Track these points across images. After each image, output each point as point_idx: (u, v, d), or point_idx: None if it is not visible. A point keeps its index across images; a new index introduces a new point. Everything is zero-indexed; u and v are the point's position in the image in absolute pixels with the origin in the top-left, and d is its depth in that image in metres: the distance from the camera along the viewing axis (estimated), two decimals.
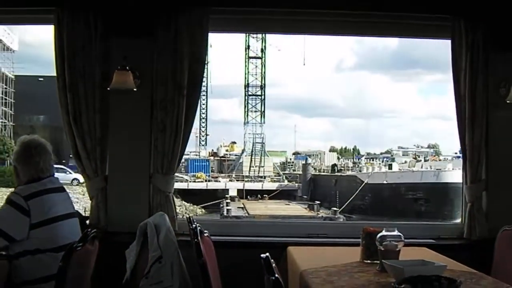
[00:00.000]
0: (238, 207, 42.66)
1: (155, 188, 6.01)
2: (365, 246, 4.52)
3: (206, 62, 6.14)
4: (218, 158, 61.07)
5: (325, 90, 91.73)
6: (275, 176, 56.03)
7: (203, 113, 65.56)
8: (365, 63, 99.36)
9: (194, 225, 4.48)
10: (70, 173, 39.55)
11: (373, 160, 63.21)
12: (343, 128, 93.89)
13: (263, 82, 62.23)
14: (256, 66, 61.75)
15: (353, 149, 70.72)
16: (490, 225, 6.02)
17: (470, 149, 6.16)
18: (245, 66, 62.04)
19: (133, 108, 6.06)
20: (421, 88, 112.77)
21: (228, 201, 45.66)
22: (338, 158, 66.21)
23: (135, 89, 5.88)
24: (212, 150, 64.02)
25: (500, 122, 6.21)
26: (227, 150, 62.90)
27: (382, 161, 60.85)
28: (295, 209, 43.56)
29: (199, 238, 4.18)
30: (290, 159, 63.92)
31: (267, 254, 3.23)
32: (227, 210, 41.10)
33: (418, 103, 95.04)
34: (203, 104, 65.42)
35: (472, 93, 6.10)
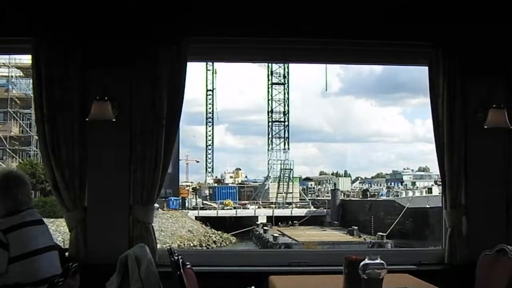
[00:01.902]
0: (278, 235, 41.86)
1: (135, 219, 5.96)
2: (347, 274, 4.49)
3: (185, 91, 6.09)
4: (236, 185, 60.68)
5: (311, 115, 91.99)
6: (300, 202, 55.65)
7: (209, 140, 65.47)
8: (350, 88, 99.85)
9: (176, 257, 4.43)
10: None
11: (368, 184, 63.46)
12: (330, 152, 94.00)
13: (286, 108, 62.35)
14: (279, 92, 61.93)
15: (344, 173, 70.73)
16: (471, 250, 6.03)
17: (449, 174, 6.20)
18: (268, 92, 62.22)
19: (112, 139, 6.03)
20: (406, 111, 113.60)
21: (266, 228, 45.28)
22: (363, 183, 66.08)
23: (113, 120, 5.85)
24: (216, 177, 63.82)
25: (479, 147, 6.25)
26: (231, 177, 62.60)
27: (389, 184, 61.25)
28: (335, 235, 42.90)
29: (181, 270, 4.15)
30: (311, 184, 63.67)
31: (253, 287, 3.21)
32: (274, 237, 40.24)
33: (403, 127, 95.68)
34: (209, 131, 65.36)
35: (450, 118, 6.15)
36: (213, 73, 63.51)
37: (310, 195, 59.53)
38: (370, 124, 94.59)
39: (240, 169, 64.34)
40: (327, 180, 65.44)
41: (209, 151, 65.81)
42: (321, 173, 71.00)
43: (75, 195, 5.90)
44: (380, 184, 64.73)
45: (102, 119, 5.82)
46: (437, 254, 6.46)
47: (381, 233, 40.10)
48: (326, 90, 64.43)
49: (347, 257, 4.54)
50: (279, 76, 61.74)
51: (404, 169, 69.17)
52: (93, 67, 5.95)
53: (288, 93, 61.94)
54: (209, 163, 65.58)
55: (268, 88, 62.11)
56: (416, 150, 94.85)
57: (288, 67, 60.47)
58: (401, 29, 6.21)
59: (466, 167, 6.24)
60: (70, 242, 5.98)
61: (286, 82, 61.98)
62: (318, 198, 57.69)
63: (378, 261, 4.18)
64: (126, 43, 5.94)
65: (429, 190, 51.45)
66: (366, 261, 4.18)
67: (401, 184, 63.40)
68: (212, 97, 64.81)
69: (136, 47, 5.93)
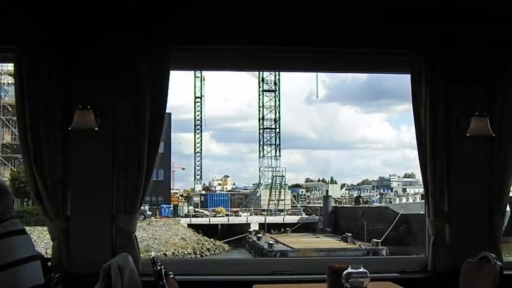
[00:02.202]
0: (272, 242, 41.85)
1: (118, 228, 5.95)
2: (331, 283, 4.50)
3: (167, 100, 6.09)
4: (227, 192, 60.61)
5: (296, 122, 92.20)
6: (291, 209, 55.59)
7: (197, 148, 65.37)
8: (335, 95, 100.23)
9: (159, 267, 4.42)
10: None
11: (357, 191, 63.49)
12: (315, 159, 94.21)
13: (277, 115, 62.37)
14: (270, 99, 62.02)
15: (331, 180, 70.82)
16: (454, 257, 6.04)
17: (432, 182, 6.22)
18: (259, 99, 62.30)
19: (94, 148, 6.01)
20: (391, 118, 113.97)
21: (260, 235, 45.38)
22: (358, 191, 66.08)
23: (96, 129, 5.83)
24: (204, 184, 63.67)
25: (461, 154, 6.28)
26: (219, 184, 62.49)
27: (376, 191, 61.35)
28: (329, 241, 42.92)
29: (164, 280, 4.14)
30: (302, 191, 63.63)
31: None
32: (270, 244, 40.20)
33: (388, 133, 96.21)
34: (198, 139, 65.28)
35: (433, 126, 6.18)
36: (201, 80, 63.73)
37: (301, 202, 59.62)
38: (355, 131, 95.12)
39: (228, 176, 64.54)
40: (316, 187, 65.55)
41: (198, 158, 65.78)
42: (307, 180, 71.23)
43: (58, 205, 5.87)
44: (369, 191, 64.91)
45: (85, 128, 5.80)
46: (420, 262, 6.47)
47: (376, 240, 40.20)
48: (317, 97, 64.25)
49: (330, 265, 4.55)
50: (270, 83, 61.91)
51: (390, 175, 69.44)
52: (76, 76, 5.93)
53: (279, 100, 62.18)
54: (198, 170, 65.50)
55: (259, 95, 62.35)
56: (401, 156, 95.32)
57: (279, 74, 60.64)
58: (382, 37, 6.24)
59: (449, 175, 6.26)
60: (52, 251, 5.96)
61: (277, 89, 62.21)
62: (310, 205, 57.79)
63: (361, 269, 4.20)
64: (108, 51, 5.93)
65: (422, 196, 51.53)
66: (349, 269, 4.20)
67: (391, 191, 63.63)
68: (201, 104, 64.98)
69: (119, 56, 5.92)
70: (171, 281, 4.50)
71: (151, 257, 5.20)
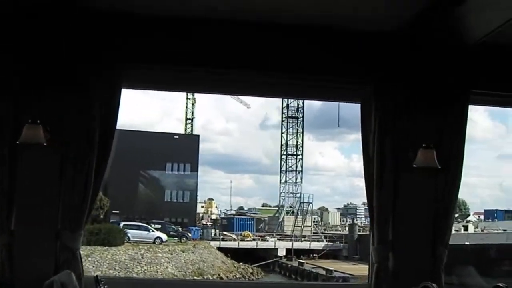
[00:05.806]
0: (329, 269, 41.57)
1: (62, 244, 5.86)
2: None
3: (118, 117, 6.07)
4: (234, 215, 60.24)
5: (249, 147, 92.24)
6: (313, 235, 55.39)
7: None
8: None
9: (102, 286, 4.40)
10: (153, 231, 39.93)
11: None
12: (266, 184, 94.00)
13: (299, 142, 62.27)
14: (293, 126, 61.91)
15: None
16: (396, 286, 6.10)
17: (377, 210, 6.29)
18: (282, 125, 62.21)
19: (42, 163, 5.95)
20: (343, 146, 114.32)
21: (302, 261, 45.72)
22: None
23: (45, 144, 5.78)
24: None
25: (408, 185, 6.34)
26: (202, 206, 61.74)
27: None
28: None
29: None
30: (315, 218, 63.22)
31: None
32: (329, 270, 40.01)
33: (339, 161, 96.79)
34: None
35: (380, 155, 6.25)
36: (192, 102, 63.51)
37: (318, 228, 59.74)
38: (307, 158, 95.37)
39: (213, 199, 63.83)
40: (316, 213, 65.38)
41: None
42: (263, 205, 71.22)
43: (2, 218, 5.79)
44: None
45: (33, 143, 5.75)
46: None
47: None
48: (339, 125, 63.35)
49: None
50: (293, 110, 61.96)
51: (349, 203, 69.77)
52: (27, 90, 5.88)
53: (302, 127, 62.15)
54: None
55: (282, 121, 62.40)
56: (350, 184, 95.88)
57: (303, 102, 60.61)
58: (334, 66, 6.32)
59: (394, 204, 6.31)
60: None
61: (301, 115, 62.21)
62: (331, 231, 57.82)
63: None
64: (61, 67, 5.90)
65: (466, 227, 51.47)
66: None
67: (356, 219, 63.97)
68: (192, 126, 64.66)
69: (71, 72, 5.89)
70: None
71: (94, 275, 5.17)
